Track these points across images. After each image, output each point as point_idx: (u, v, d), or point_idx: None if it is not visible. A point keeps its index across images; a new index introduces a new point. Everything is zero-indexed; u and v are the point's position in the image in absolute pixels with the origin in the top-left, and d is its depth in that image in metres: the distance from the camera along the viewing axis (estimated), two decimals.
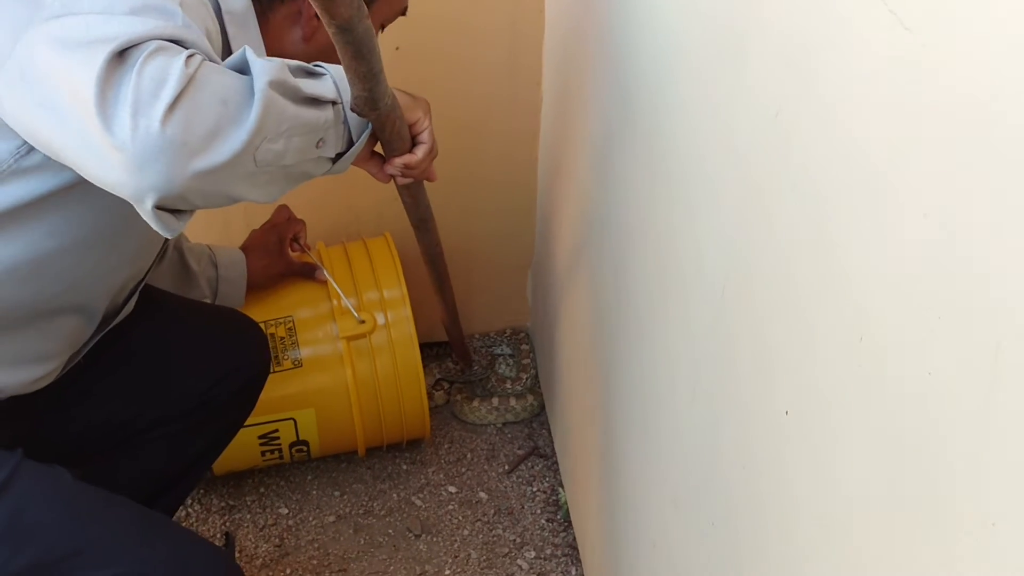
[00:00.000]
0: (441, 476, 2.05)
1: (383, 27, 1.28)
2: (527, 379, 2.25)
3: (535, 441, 2.14)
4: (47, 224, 1.05)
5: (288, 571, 1.83)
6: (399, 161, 1.18)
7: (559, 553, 1.86)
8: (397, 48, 1.88)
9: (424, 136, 1.19)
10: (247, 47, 0.94)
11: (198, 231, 1.76)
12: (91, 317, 1.21)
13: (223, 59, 1.07)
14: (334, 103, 1.02)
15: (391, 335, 1.84)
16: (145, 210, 0.89)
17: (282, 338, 1.81)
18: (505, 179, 2.10)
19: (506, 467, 2.08)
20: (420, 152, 1.19)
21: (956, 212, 0.52)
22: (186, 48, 0.90)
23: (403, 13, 1.29)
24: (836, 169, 0.65)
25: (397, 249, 1.94)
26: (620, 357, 1.34)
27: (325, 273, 1.82)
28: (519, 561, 1.85)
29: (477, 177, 2.09)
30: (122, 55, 0.87)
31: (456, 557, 1.86)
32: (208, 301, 1.66)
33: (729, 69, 0.85)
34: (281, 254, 1.77)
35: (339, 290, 1.80)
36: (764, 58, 0.77)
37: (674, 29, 1.04)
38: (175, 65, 0.87)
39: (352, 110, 1.01)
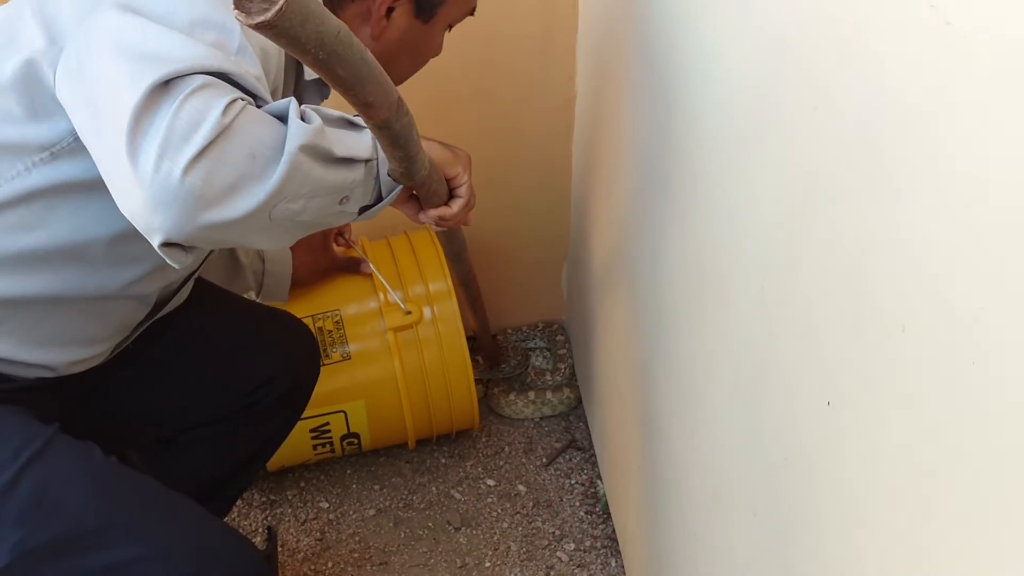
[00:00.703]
0: (479, 469, 2.06)
1: (450, 27, 1.31)
2: (564, 371, 2.26)
3: (572, 434, 2.15)
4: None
5: (330, 564, 1.85)
6: (434, 213, 1.17)
7: (598, 545, 1.87)
8: None
9: (461, 191, 1.18)
10: (293, 99, 0.93)
11: None
12: (145, 302, 1.23)
13: (285, 73, 1.09)
14: (368, 160, 1.01)
15: (438, 327, 1.86)
16: (152, 244, 0.90)
17: (330, 331, 1.83)
18: (540, 172, 2.10)
19: (544, 460, 2.08)
20: (456, 206, 1.19)
21: (995, 203, 0.52)
22: (233, 84, 0.91)
23: (471, 13, 1.32)
24: (877, 163, 0.65)
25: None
26: (658, 350, 1.34)
27: (371, 266, 1.83)
28: (559, 553, 1.85)
29: (512, 170, 2.09)
30: (167, 84, 0.87)
31: (496, 549, 1.87)
32: (252, 294, 1.68)
33: (769, 62, 0.85)
34: (326, 250, 1.79)
35: (385, 282, 1.82)
36: (803, 52, 0.77)
37: (711, 22, 1.04)
38: (213, 111, 0.87)
39: (388, 175, 1.01)
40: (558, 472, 2.06)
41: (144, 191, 0.87)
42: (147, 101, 0.86)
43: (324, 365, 1.73)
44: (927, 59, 0.58)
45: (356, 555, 1.87)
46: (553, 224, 2.19)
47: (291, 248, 1.72)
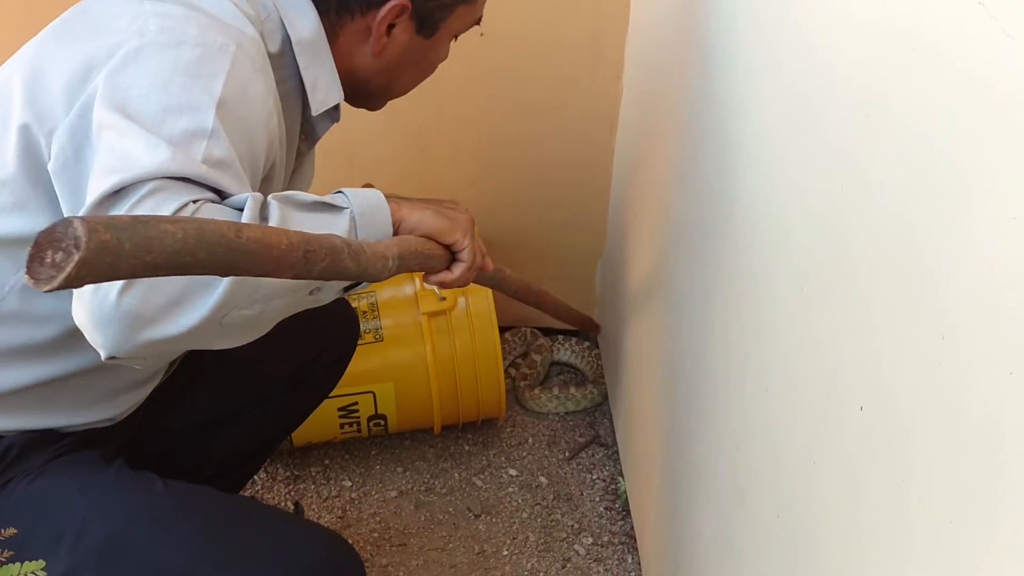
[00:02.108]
0: (502, 459, 2.08)
1: (456, 37, 1.28)
2: (590, 369, 2.28)
3: (596, 430, 2.16)
4: None
5: (350, 542, 1.86)
6: (435, 279, 1.16)
7: (616, 541, 1.88)
8: (482, 34, 1.90)
9: (463, 255, 1.14)
10: (251, 197, 0.91)
11: None
12: None
13: (288, 114, 1.10)
14: None
15: (471, 315, 1.88)
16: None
17: (364, 312, 1.85)
18: (580, 169, 2.12)
19: (567, 454, 2.10)
20: (457, 271, 1.15)
21: None
22: (193, 186, 0.89)
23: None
24: (923, 170, 0.66)
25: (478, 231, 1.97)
26: (690, 350, 1.35)
27: None
28: (576, 547, 1.87)
29: (553, 166, 2.11)
30: (119, 192, 0.86)
31: (514, 539, 1.89)
32: None
33: (819, 64, 0.86)
34: None
35: None
36: (856, 57, 0.78)
37: (761, 23, 1.05)
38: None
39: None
40: (580, 467, 2.07)
41: (84, 308, 0.85)
42: (98, 207, 0.86)
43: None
44: (982, 62, 0.59)
45: (376, 535, 1.90)
46: (590, 221, 2.20)
47: None
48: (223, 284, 0.86)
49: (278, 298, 0.92)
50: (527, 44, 1.95)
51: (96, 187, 0.87)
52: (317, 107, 1.17)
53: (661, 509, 1.57)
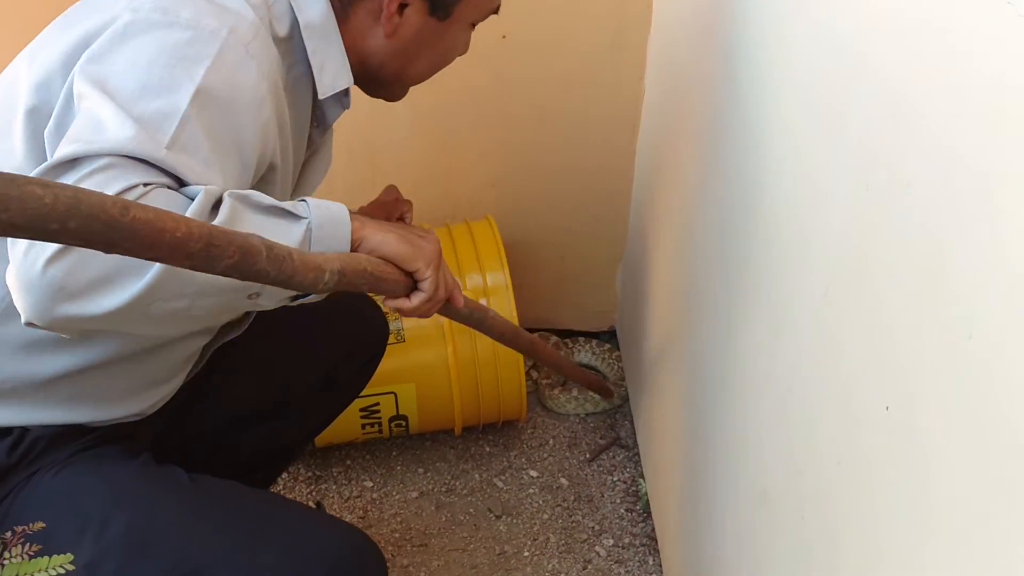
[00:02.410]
0: (523, 460, 2.08)
1: (474, 25, 1.26)
2: (610, 370, 2.28)
3: (617, 432, 2.16)
4: None
5: None
6: (391, 304, 1.14)
7: (637, 543, 1.88)
8: (504, 36, 1.91)
9: (423, 285, 1.11)
10: (204, 190, 0.90)
11: None
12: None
13: (304, 72, 1.11)
14: None
15: None
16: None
17: (386, 313, 1.85)
18: (601, 171, 2.12)
19: (587, 455, 2.10)
20: (415, 300, 1.12)
21: None
22: (151, 169, 0.89)
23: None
24: (950, 170, 0.66)
25: (499, 232, 1.98)
26: (711, 352, 1.35)
27: None
28: (597, 548, 1.87)
29: (575, 167, 2.11)
30: (74, 161, 0.87)
31: (535, 540, 1.89)
32: None
33: (844, 63, 0.86)
34: None
35: None
36: (882, 56, 0.78)
37: (786, 23, 1.05)
38: None
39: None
40: (601, 468, 2.07)
41: (13, 271, 0.86)
42: (46, 174, 0.86)
43: None
44: (1011, 60, 0.59)
45: (397, 535, 1.90)
46: (611, 224, 2.20)
47: None
48: (151, 273, 0.85)
49: (210, 296, 0.91)
50: (549, 46, 1.96)
51: (57, 153, 0.88)
52: (324, 91, 1.16)
53: (682, 511, 1.57)
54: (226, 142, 0.99)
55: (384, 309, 1.74)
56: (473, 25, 1.26)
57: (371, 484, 2.02)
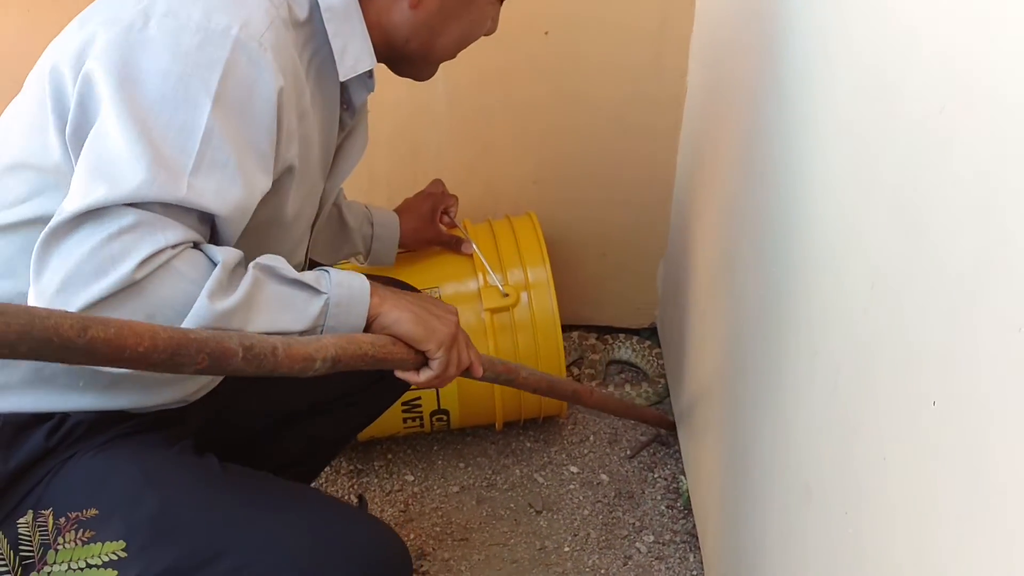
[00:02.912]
0: (563, 456, 2.09)
1: (501, 1, 1.27)
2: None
3: (658, 429, 2.15)
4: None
5: (412, 536, 1.89)
6: (400, 375, 1.17)
7: (678, 539, 1.87)
8: (546, 33, 1.92)
9: (434, 364, 1.15)
10: (222, 263, 0.96)
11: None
12: None
13: (329, 55, 1.12)
14: (302, 332, 1.03)
15: (534, 312, 1.89)
16: None
17: None
18: (644, 166, 2.12)
19: (628, 452, 2.10)
20: (423, 376, 1.17)
21: None
22: (174, 213, 0.94)
23: None
24: (1004, 160, 0.65)
25: (541, 228, 1.98)
26: (754, 348, 1.35)
27: (473, 246, 1.86)
28: (638, 544, 1.87)
29: (617, 162, 2.11)
30: (98, 212, 0.91)
31: (576, 535, 1.89)
32: (360, 258, 1.72)
33: (896, 52, 0.85)
34: (432, 222, 1.82)
35: (485, 263, 1.85)
36: (932, 49, 0.77)
37: (833, 17, 1.04)
38: (128, 262, 0.90)
39: None
40: (641, 465, 2.07)
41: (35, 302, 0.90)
42: (73, 221, 0.90)
43: None
44: None
45: (438, 529, 1.91)
46: (653, 219, 2.20)
47: (399, 213, 1.76)
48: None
49: None
50: (591, 42, 1.96)
51: (77, 198, 0.91)
52: (346, 72, 1.16)
53: (724, 507, 1.56)
54: (247, 146, 1.01)
55: (486, 283, 1.80)
56: (501, 1, 1.27)
57: (412, 478, 2.03)
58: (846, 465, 0.96)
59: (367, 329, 1.10)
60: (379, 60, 1.21)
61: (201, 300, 0.94)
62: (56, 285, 0.90)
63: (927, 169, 0.78)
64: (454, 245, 1.88)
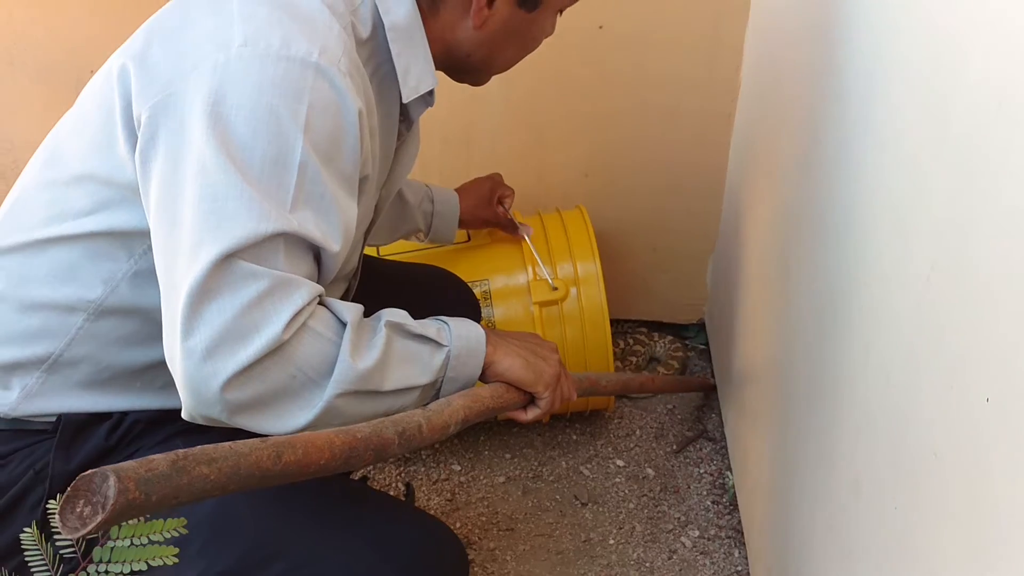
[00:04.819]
0: (610, 449, 2.10)
1: (561, 11, 1.27)
2: (669, 364, 2.29)
3: (704, 424, 2.15)
4: None
5: (458, 524, 1.91)
6: (508, 414, 1.23)
7: (723, 535, 1.87)
8: (600, 27, 1.92)
9: (541, 404, 1.23)
10: (351, 324, 1.00)
11: None
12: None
13: (390, 71, 1.13)
14: (426, 384, 1.09)
15: (583, 306, 1.89)
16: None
17: (478, 299, 1.89)
18: (695, 163, 2.12)
19: (674, 447, 2.10)
20: (531, 415, 1.24)
21: None
22: (294, 250, 0.98)
23: None
24: None
25: (591, 222, 1.99)
26: (806, 344, 1.35)
27: (527, 231, 1.88)
28: (683, 539, 1.87)
29: (668, 158, 2.11)
30: (234, 266, 0.93)
31: (621, 528, 1.90)
32: (421, 234, 1.75)
33: (949, 52, 0.85)
34: (491, 203, 1.84)
35: (536, 253, 1.87)
36: (987, 46, 0.77)
37: (887, 15, 1.04)
38: (275, 324, 0.94)
39: None
40: (687, 460, 2.07)
41: (184, 369, 0.94)
42: (209, 279, 0.92)
43: None
44: None
45: (484, 519, 1.93)
46: (704, 215, 2.20)
47: (459, 192, 1.79)
48: (305, 417, 0.98)
49: (359, 419, 0.99)
50: (645, 37, 1.96)
51: (207, 250, 0.93)
52: (409, 94, 1.18)
53: (771, 503, 1.56)
54: (338, 174, 1.03)
55: (535, 276, 1.89)
56: (560, 11, 1.27)
57: (459, 468, 2.05)
58: (897, 460, 0.95)
59: (481, 376, 1.17)
60: (438, 68, 1.22)
61: (344, 361, 0.98)
62: (203, 350, 0.93)
63: (979, 165, 0.77)
64: (510, 228, 1.89)
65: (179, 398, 1.16)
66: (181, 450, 0.73)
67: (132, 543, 0.86)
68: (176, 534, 0.86)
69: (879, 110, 1.05)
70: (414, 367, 1.07)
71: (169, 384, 1.13)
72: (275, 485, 0.81)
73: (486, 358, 1.15)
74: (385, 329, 1.04)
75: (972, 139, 0.80)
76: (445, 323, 1.14)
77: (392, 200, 1.60)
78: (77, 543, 0.90)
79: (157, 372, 1.14)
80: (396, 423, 0.94)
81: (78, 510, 0.66)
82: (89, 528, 0.65)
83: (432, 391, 1.12)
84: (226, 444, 0.77)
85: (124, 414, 1.15)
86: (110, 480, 0.66)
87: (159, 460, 0.70)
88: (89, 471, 0.67)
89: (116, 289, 1.09)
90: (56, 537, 0.90)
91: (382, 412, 1.03)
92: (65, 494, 0.66)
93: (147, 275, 1.07)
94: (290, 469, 0.80)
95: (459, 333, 1.13)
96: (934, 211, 0.87)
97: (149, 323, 1.10)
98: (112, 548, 0.87)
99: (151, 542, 0.86)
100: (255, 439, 0.81)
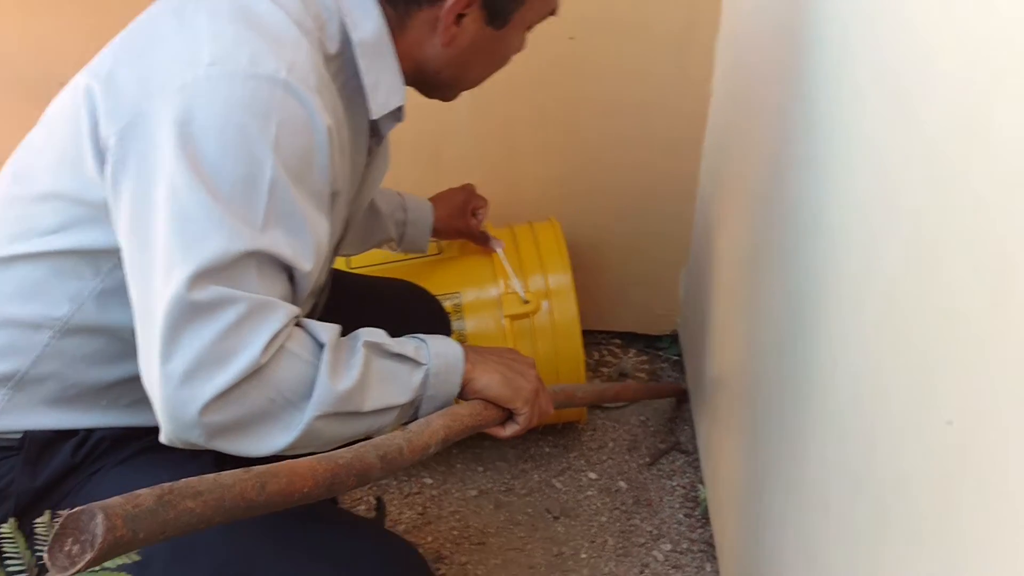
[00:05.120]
0: (582, 462, 2.09)
1: (530, 28, 1.26)
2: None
3: (677, 436, 2.15)
4: None
5: (430, 539, 1.89)
6: (486, 430, 1.24)
7: (695, 548, 1.86)
8: (572, 38, 1.92)
9: (519, 419, 1.23)
10: (328, 345, 1.00)
11: None
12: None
13: (358, 87, 1.12)
14: (405, 404, 1.09)
15: (554, 319, 1.88)
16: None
17: (448, 313, 1.87)
18: (667, 173, 2.11)
19: (647, 459, 2.09)
20: (509, 431, 1.25)
21: None
22: (279, 298, 0.97)
23: (553, 13, 1.26)
24: (1020, 178, 0.65)
25: (563, 233, 1.98)
26: (776, 358, 1.34)
27: (500, 245, 1.87)
28: (655, 552, 1.86)
29: (640, 167, 2.11)
30: (205, 284, 0.92)
31: (593, 542, 1.89)
32: (393, 243, 1.73)
33: (920, 63, 0.84)
34: (464, 213, 1.82)
35: (508, 266, 1.86)
36: (959, 58, 0.77)
37: (859, 20, 1.03)
38: (253, 347, 0.93)
39: None
40: (660, 473, 2.06)
41: (163, 394, 0.94)
42: (185, 302, 0.92)
43: None
44: None
45: (455, 532, 1.91)
46: (676, 225, 2.20)
47: (432, 201, 1.77)
48: (285, 439, 0.98)
49: (339, 440, 1.00)
50: (616, 47, 1.95)
51: (181, 270, 0.92)
52: (378, 110, 1.17)
53: (742, 519, 1.55)
54: (308, 192, 1.02)
55: (507, 289, 1.88)
56: (529, 28, 1.26)
57: (431, 481, 2.04)
58: (865, 480, 0.95)
59: (460, 393, 1.16)
60: (407, 83, 1.21)
61: (323, 383, 0.98)
62: (181, 375, 0.92)
63: (948, 179, 0.77)
64: (482, 240, 1.88)
65: (145, 415, 1.14)
66: (166, 484, 0.73)
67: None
68: (129, 561, 0.84)
69: (847, 129, 1.05)
70: (393, 387, 1.07)
71: (136, 402, 1.13)
72: (258, 512, 0.81)
73: (464, 375, 1.15)
74: (363, 349, 1.04)
75: (941, 151, 0.79)
76: (423, 341, 1.13)
77: (365, 209, 1.59)
78: (30, 569, 0.89)
79: (123, 390, 1.13)
80: (377, 447, 0.95)
81: (66, 549, 0.66)
82: (79, 567, 0.65)
83: (411, 410, 1.11)
84: (210, 476, 0.77)
85: (90, 431, 1.14)
86: (98, 518, 0.66)
87: (145, 495, 0.71)
88: (77, 508, 0.67)
89: (82, 307, 1.08)
90: (8, 562, 0.89)
91: (361, 432, 1.03)
92: (54, 533, 0.66)
93: (113, 293, 1.06)
94: (274, 499, 0.80)
95: (437, 351, 1.13)
96: (901, 225, 0.87)
97: (116, 341, 1.09)
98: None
99: (103, 568, 0.84)
100: (238, 470, 0.81)
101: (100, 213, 1.02)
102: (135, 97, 0.99)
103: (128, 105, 0.99)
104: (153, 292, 0.94)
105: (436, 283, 1.84)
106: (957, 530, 0.73)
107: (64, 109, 1.08)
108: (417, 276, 1.80)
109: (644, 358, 2.36)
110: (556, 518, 1.95)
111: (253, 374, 0.94)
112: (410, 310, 1.66)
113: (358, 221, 1.58)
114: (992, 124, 0.70)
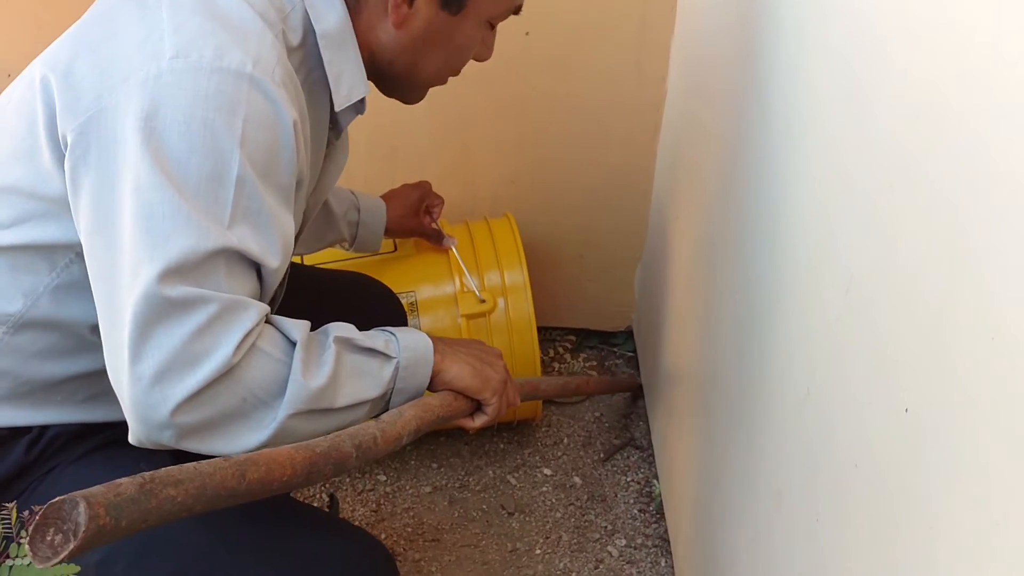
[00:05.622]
0: (537, 458, 2.08)
1: (493, 25, 1.23)
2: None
3: (632, 432, 2.15)
4: None
5: (383, 536, 1.88)
6: (456, 422, 1.24)
7: (649, 544, 1.87)
8: (527, 33, 1.91)
9: (488, 410, 1.24)
10: (300, 342, 0.99)
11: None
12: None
13: (320, 78, 1.11)
14: (376, 397, 1.08)
15: (510, 317, 1.88)
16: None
17: (403, 307, 1.86)
18: (622, 171, 2.11)
19: (601, 455, 2.09)
20: (478, 422, 1.26)
21: None
22: (236, 268, 0.96)
23: (516, 12, 1.24)
24: (976, 172, 0.65)
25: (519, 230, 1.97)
26: (728, 354, 1.35)
27: (453, 242, 1.86)
28: (609, 548, 1.86)
29: (595, 165, 2.11)
30: (173, 283, 0.91)
31: (547, 538, 1.89)
32: (346, 244, 1.72)
33: (873, 59, 0.85)
34: (418, 212, 1.81)
35: (463, 264, 1.85)
36: (911, 53, 0.77)
37: (812, 22, 1.04)
38: (224, 348, 0.92)
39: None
40: (615, 468, 2.07)
41: (132, 396, 0.92)
42: (155, 302, 0.90)
43: None
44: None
45: (409, 529, 1.90)
46: (631, 223, 2.20)
47: (385, 199, 1.76)
48: (258, 439, 0.97)
49: (312, 435, 0.98)
50: (571, 44, 1.95)
51: (148, 268, 0.91)
52: (341, 102, 1.15)
53: (696, 513, 1.56)
54: (274, 187, 1.01)
55: (463, 287, 1.89)
56: (492, 25, 1.23)
57: (384, 478, 2.02)
58: (817, 472, 0.95)
59: (429, 384, 1.16)
60: (368, 78, 1.19)
61: (296, 381, 0.97)
62: (152, 376, 0.91)
63: (902, 172, 0.78)
64: (436, 238, 1.87)
65: (101, 411, 1.13)
66: (148, 473, 0.73)
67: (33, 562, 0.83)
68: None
69: (802, 121, 1.06)
70: (364, 381, 1.06)
71: (91, 397, 1.11)
72: (241, 503, 0.80)
73: (434, 367, 1.15)
74: (334, 345, 1.03)
75: (895, 145, 0.80)
76: (392, 334, 1.13)
77: (318, 210, 1.58)
78: None
79: (78, 385, 1.11)
80: (352, 436, 0.95)
81: (48, 539, 0.65)
82: (62, 556, 0.64)
83: (382, 403, 1.11)
84: (190, 465, 0.77)
85: (44, 428, 1.11)
86: (80, 507, 0.66)
87: (127, 484, 0.70)
88: (58, 498, 0.66)
89: (37, 302, 1.06)
90: None
91: (333, 428, 1.02)
92: (35, 525, 0.65)
93: (68, 288, 1.04)
94: (254, 487, 0.81)
95: (407, 344, 1.12)
96: (855, 220, 0.88)
97: (70, 336, 1.07)
98: (11, 568, 0.84)
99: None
100: (218, 459, 0.81)
101: (56, 208, 1.00)
102: (95, 90, 0.96)
103: (88, 99, 0.96)
104: (120, 291, 0.92)
105: (391, 281, 1.83)
106: (918, 513, 0.74)
107: (18, 101, 1.05)
108: (373, 273, 1.78)
109: (598, 355, 2.36)
110: (511, 514, 1.94)
111: (225, 374, 0.92)
112: (367, 304, 1.65)
113: (313, 217, 1.56)
114: (944, 112, 0.71)
